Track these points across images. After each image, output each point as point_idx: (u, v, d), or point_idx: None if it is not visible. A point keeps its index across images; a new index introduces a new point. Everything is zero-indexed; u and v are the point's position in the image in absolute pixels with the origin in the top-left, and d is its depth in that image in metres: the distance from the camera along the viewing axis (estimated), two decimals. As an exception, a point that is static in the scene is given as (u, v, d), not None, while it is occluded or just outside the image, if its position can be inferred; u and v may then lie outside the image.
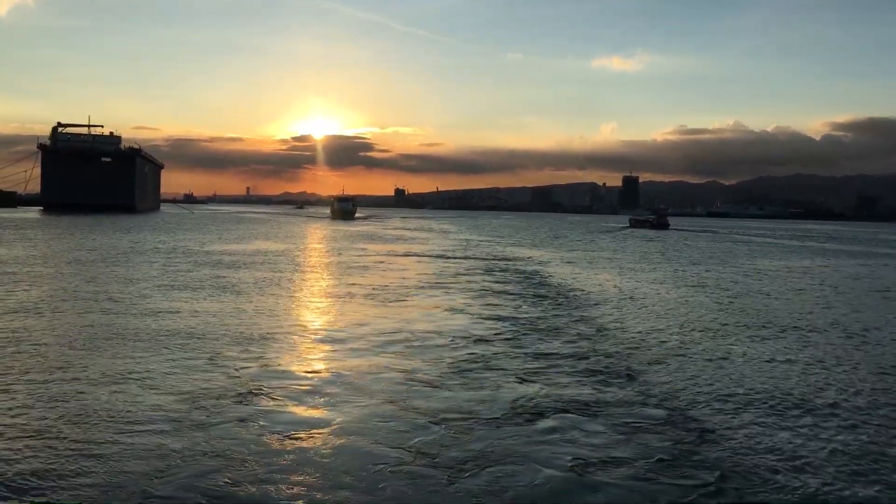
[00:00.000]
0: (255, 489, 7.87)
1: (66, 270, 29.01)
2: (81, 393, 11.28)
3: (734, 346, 16.75)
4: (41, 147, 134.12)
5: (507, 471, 8.61)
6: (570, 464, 8.90)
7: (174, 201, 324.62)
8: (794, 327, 19.93)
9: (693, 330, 19.07)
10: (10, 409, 10.34)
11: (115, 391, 11.42)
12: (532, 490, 8.12)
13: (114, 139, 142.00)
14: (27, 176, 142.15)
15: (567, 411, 11.06)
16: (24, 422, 9.81)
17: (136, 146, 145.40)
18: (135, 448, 8.95)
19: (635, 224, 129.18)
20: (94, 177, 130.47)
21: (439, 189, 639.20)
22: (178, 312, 19.34)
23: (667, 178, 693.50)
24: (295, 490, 7.90)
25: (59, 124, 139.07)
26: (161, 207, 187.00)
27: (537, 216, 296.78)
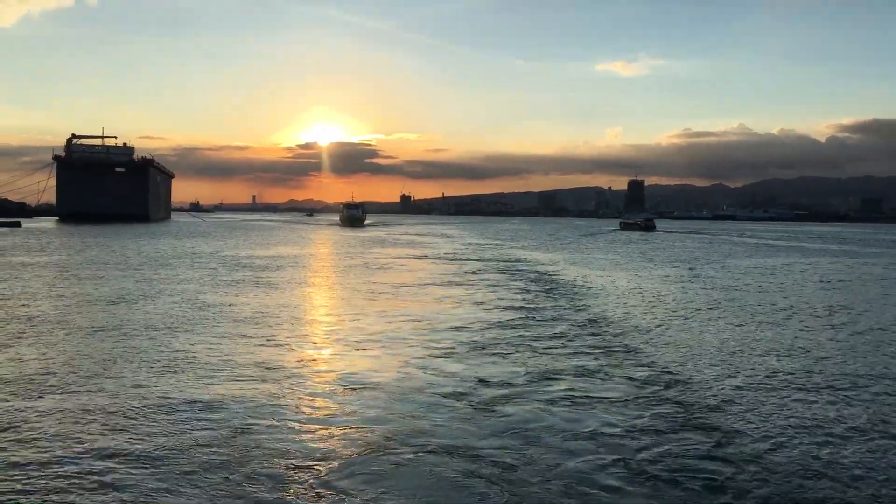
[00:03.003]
0: (325, 418, 10.80)
1: (118, 273, 32.07)
2: (186, 360, 14.26)
3: (696, 325, 19.73)
4: (56, 158, 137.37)
5: (523, 408, 11.49)
6: (570, 401, 11.80)
7: (181, 210, 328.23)
8: (743, 309, 22.87)
9: (667, 313, 22.00)
10: (131, 376, 13.36)
11: (201, 362, 14.41)
12: (542, 424, 10.99)
13: (127, 150, 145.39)
14: (41, 187, 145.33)
15: (567, 372, 13.99)
16: (144, 383, 12.80)
17: (148, 156, 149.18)
18: (227, 397, 11.92)
19: (625, 227, 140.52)
20: (108, 188, 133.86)
21: (445, 195, 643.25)
22: (232, 305, 22.41)
23: (672, 182, 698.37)
24: (356, 420, 10.81)
25: (74, 136, 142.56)
26: (172, 216, 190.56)
27: (543, 221, 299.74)
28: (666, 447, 9.69)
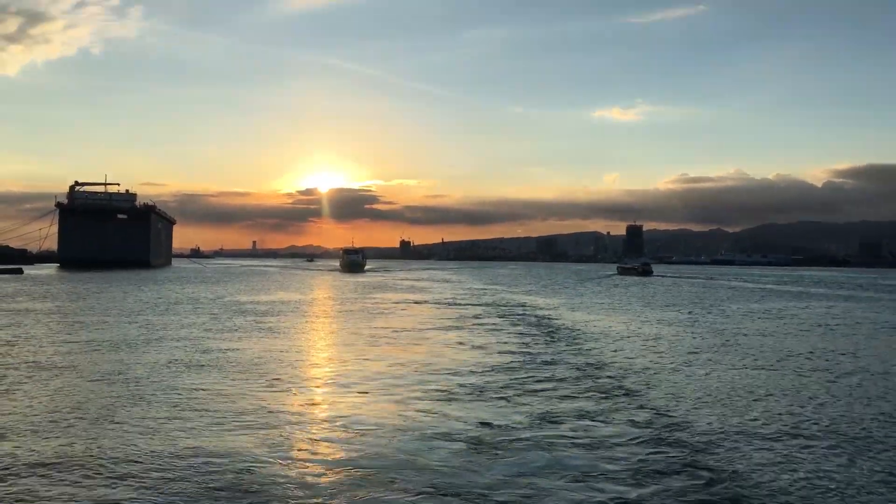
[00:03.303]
0: (330, 460, 11.01)
1: (121, 319, 32.34)
2: (190, 405, 14.48)
3: (694, 368, 19.95)
4: (59, 205, 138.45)
5: (525, 450, 11.71)
6: (571, 442, 12.01)
7: (182, 255, 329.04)
8: (740, 353, 23.10)
9: (665, 357, 22.23)
10: (141, 416, 13.58)
11: (205, 406, 14.64)
12: (543, 465, 11.20)
13: (129, 196, 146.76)
14: (43, 234, 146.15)
15: (567, 414, 14.20)
16: (154, 416, 13.03)
17: (150, 203, 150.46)
18: (231, 442, 12.13)
19: (622, 271, 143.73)
20: (110, 233, 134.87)
21: (444, 240, 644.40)
22: (235, 349, 22.65)
23: (671, 227, 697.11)
24: (360, 462, 11.01)
25: (77, 183, 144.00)
26: (172, 262, 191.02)
27: (542, 266, 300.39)
28: (664, 488, 9.89)
